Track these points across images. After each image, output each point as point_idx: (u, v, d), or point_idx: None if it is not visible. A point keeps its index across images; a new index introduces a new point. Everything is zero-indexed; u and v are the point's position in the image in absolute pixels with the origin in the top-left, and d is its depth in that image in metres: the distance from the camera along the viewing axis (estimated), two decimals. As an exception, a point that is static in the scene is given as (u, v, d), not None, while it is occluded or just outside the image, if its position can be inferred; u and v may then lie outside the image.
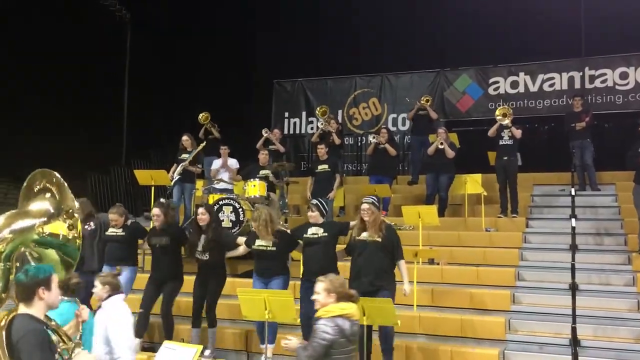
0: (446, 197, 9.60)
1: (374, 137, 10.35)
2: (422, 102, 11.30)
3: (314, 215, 6.15)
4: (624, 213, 8.71)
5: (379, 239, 5.73)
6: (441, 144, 9.56)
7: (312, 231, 6.11)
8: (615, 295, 6.98)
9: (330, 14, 13.45)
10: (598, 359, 5.84)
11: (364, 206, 5.83)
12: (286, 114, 14.37)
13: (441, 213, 9.12)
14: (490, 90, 12.71)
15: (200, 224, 6.52)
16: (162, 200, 7.76)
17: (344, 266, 6.12)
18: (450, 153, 9.55)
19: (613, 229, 8.49)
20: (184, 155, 9.70)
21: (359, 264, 5.82)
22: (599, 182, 9.88)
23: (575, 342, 5.59)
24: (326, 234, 6.05)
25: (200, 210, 6.59)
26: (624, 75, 11.71)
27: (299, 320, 5.76)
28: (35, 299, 3.15)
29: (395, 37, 12.73)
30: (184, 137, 9.93)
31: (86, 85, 12.14)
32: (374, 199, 5.96)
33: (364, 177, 11.33)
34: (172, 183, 9.56)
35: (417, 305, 6.85)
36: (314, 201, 6.37)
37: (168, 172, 9.67)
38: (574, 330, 5.41)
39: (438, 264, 7.99)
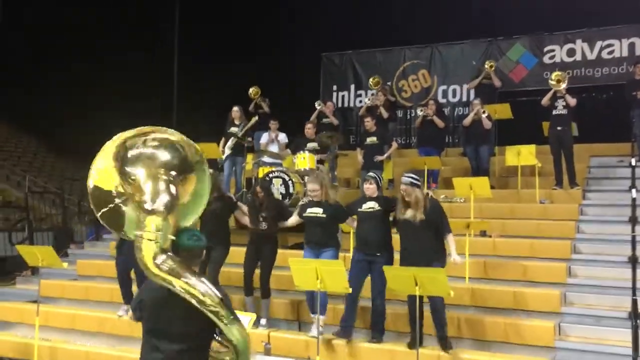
0: (488, 168, 9.46)
1: (422, 110, 10.35)
2: (487, 67, 11.10)
3: (371, 188, 6.12)
4: (687, 184, 8.33)
5: (424, 217, 5.66)
6: (476, 114, 9.40)
7: (368, 205, 6.09)
8: (677, 268, 6.71)
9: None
10: (659, 333, 5.66)
11: (402, 187, 5.76)
12: (334, 88, 14.29)
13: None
14: (546, 59, 12.29)
15: (259, 198, 6.75)
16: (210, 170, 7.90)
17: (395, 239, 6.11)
18: (488, 124, 9.40)
19: (676, 200, 8.13)
20: (233, 129, 9.79)
21: (406, 244, 5.80)
22: (660, 152, 9.48)
23: (636, 315, 5.41)
24: (381, 209, 6.03)
25: (258, 189, 6.86)
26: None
27: (348, 290, 5.79)
28: None
29: (445, 6, 12.42)
30: (235, 109, 10.02)
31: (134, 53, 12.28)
32: (413, 177, 5.80)
33: (413, 150, 11.23)
34: (223, 157, 9.68)
35: (469, 278, 6.77)
36: (372, 173, 6.35)
37: (218, 145, 9.79)
38: (635, 302, 5.24)
39: (490, 236, 7.88)
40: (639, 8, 11.06)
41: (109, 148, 2.98)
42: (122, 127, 3.09)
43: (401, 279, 5.29)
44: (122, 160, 2.93)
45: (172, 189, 2.92)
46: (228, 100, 10.49)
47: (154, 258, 2.81)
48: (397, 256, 6.00)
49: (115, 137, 3.02)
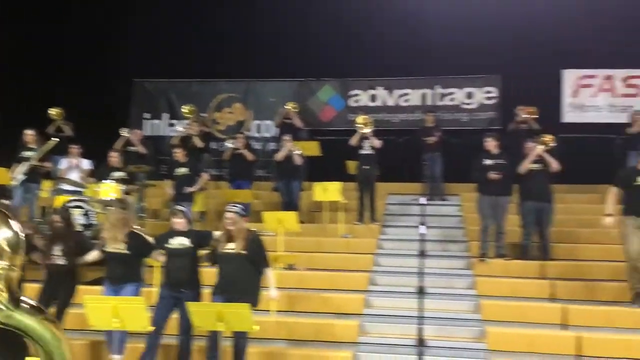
0: (298, 203, 9.82)
1: (232, 143, 10.51)
2: (287, 107, 11.54)
3: (179, 222, 5.94)
4: (467, 222, 9.42)
5: (245, 251, 5.64)
6: (290, 150, 9.82)
7: (178, 241, 5.89)
8: (457, 297, 7.50)
9: (194, 14, 13.16)
10: (441, 357, 6.23)
11: (228, 215, 5.68)
12: (147, 115, 13.83)
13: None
14: (351, 102, 13.19)
15: (56, 228, 6.20)
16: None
17: (208, 273, 6.01)
18: (299, 160, 9.85)
19: (457, 236, 9.14)
20: (27, 153, 8.96)
21: (225, 276, 5.70)
22: (446, 192, 10.63)
23: (421, 342, 5.90)
24: (192, 245, 5.88)
25: (55, 217, 6.34)
26: (469, 95, 12.70)
27: (149, 328, 5.51)
28: None
29: (262, 44, 12.77)
30: (27, 132, 9.19)
31: None
32: (240, 207, 5.82)
33: (225, 183, 11.23)
34: (14, 183, 8.79)
35: (275, 311, 6.88)
36: (180, 207, 6.18)
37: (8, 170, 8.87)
38: (420, 331, 5.72)
39: (297, 269, 8.11)
40: (429, 64, 12.44)
41: None
42: None
43: (205, 315, 5.19)
44: None
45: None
46: (23, 122, 9.61)
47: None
48: (208, 290, 5.89)
49: None
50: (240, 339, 5.62)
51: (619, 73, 12.04)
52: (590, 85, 12.17)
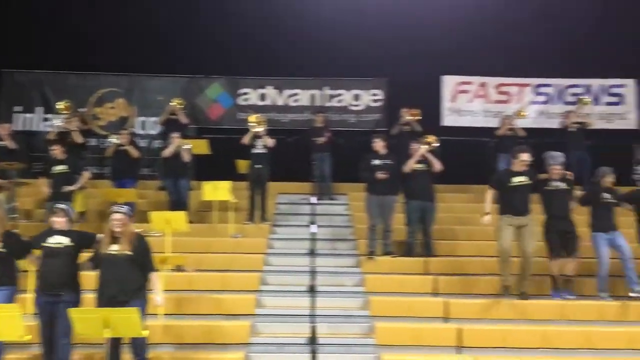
0: (186, 202, 9.57)
1: (117, 138, 10.06)
2: (173, 104, 11.21)
3: (59, 221, 5.59)
4: (355, 220, 9.65)
5: (130, 252, 5.39)
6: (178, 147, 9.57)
7: (56, 239, 5.52)
8: (346, 295, 7.65)
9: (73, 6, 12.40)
10: (332, 354, 6.33)
11: (116, 216, 5.43)
12: (17, 109, 12.82)
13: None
14: (240, 101, 13.05)
15: None
16: None
17: (89, 276, 5.67)
18: (187, 157, 9.60)
19: (346, 235, 9.34)
20: None
21: (107, 280, 5.40)
22: (334, 192, 10.82)
23: (312, 340, 5.96)
24: (73, 244, 5.52)
25: None
26: (357, 97, 13.02)
27: (26, 337, 5.09)
28: None
29: (149, 38, 12.26)
30: None
31: None
32: (127, 208, 5.60)
33: (107, 181, 10.67)
34: None
35: (163, 315, 6.63)
36: (62, 205, 5.79)
37: None
38: (313, 329, 5.78)
39: (185, 270, 7.90)
40: (319, 66, 12.63)
41: None
42: None
43: (89, 321, 4.89)
44: None
45: None
46: None
47: None
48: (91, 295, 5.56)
49: None
50: (139, 346, 5.36)
51: (493, 80, 12.89)
52: (467, 91, 12.93)
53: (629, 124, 12.68)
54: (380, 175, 8.27)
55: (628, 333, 6.70)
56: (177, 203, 9.45)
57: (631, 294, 7.19)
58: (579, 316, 7.06)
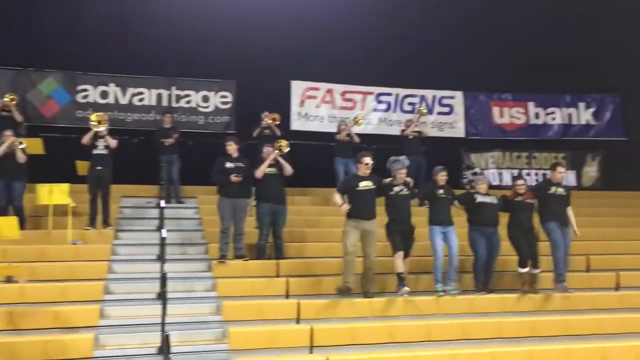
0: (21, 206, 8.78)
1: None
2: (5, 100, 10.15)
3: None
4: (205, 224, 9.47)
5: None
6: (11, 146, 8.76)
7: None
8: (198, 300, 7.48)
9: None
10: (185, 363, 6.15)
11: None
12: None
13: (20, 225, 8.24)
14: (79, 98, 12.18)
15: None
16: None
17: None
18: (22, 157, 8.83)
19: (196, 239, 9.13)
20: None
21: None
22: (183, 195, 10.52)
23: (165, 349, 5.74)
24: None
25: None
26: (205, 99, 12.77)
27: None
28: None
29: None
30: None
31: None
32: None
33: None
34: None
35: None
36: None
37: None
38: (166, 337, 5.55)
39: (17, 282, 7.21)
40: (166, 65, 12.22)
41: None
42: None
43: None
44: None
45: None
46: None
47: None
48: None
49: None
50: None
51: (339, 87, 13.37)
52: (314, 96, 13.26)
53: (458, 132, 13.87)
54: (234, 178, 8.20)
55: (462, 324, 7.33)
56: (7, 208, 8.58)
57: (438, 290, 7.77)
58: (422, 311, 7.57)
